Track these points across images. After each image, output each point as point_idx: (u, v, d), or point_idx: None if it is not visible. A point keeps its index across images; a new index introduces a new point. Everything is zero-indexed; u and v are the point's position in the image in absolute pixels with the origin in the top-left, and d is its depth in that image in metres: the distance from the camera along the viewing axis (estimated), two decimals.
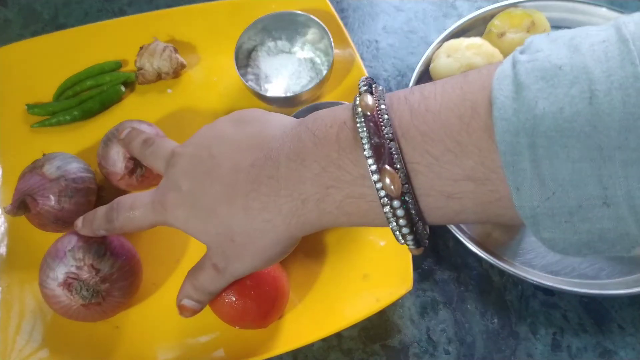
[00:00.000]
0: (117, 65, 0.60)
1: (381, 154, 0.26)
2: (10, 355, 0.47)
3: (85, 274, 0.43)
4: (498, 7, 0.62)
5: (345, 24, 0.64)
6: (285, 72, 0.57)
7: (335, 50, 0.57)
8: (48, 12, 0.68)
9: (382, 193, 0.26)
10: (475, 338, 0.50)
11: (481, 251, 0.51)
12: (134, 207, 0.37)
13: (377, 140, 0.26)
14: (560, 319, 0.51)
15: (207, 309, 0.45)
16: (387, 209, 0.27)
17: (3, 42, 0.65)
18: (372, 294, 0.48)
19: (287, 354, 0.49)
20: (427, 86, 0.28)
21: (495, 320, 0.51)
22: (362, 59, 0.62)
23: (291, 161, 0.30)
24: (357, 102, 0.28)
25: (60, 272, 0.43)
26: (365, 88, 0.29)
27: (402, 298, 0.50)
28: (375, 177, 0.26)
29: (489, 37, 0.59)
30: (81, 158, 0.52)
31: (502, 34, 0.59)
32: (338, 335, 0.50)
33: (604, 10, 0.63)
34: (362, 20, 0.68)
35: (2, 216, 0.53)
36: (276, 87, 0.57)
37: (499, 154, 0.23)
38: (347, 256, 0.51)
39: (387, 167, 0.25)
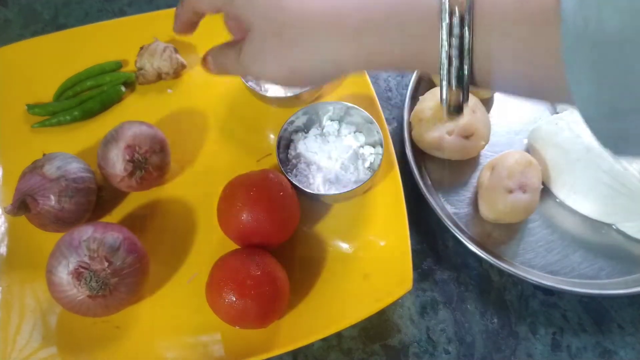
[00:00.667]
0: (118, 66, 0.61)
1: None
2: (11, 355, 0.47)
3: (97, 265, 0.43)
4: None
5: None
6: None
7: None
8: (48, 12, 0.68)
9: (446, 14, 0.27)
10: (475, 338, 0.50)
11: (481, 251, 0.51)
12: (226, 55, 0.38)
13: None
14: (560, 318, 0.51)
15: (209, 309, 0.45)
16: (444, 31, 0.27)
17: (3, 42, 0.65)
18: (372, 293, 0.48)
19: (287, 353, 0.49)
20: None
21: (495, 320, 0.51)
22: None
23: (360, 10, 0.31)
24: None
25: (72, 261, 0.43)
26: None
27: (402, 298, 0.50)
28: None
29: None
30: (81, 158, 0.52)
31: None
32: (338, 335, 0.50)
33: None
34: None
35: (3, 216, 0.53)
36: (276, 87, 0.57)
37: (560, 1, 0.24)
38: (347, 256, 0.51)
39: None
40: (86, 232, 0.44)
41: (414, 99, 0.58)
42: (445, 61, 0.28)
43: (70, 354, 0.47)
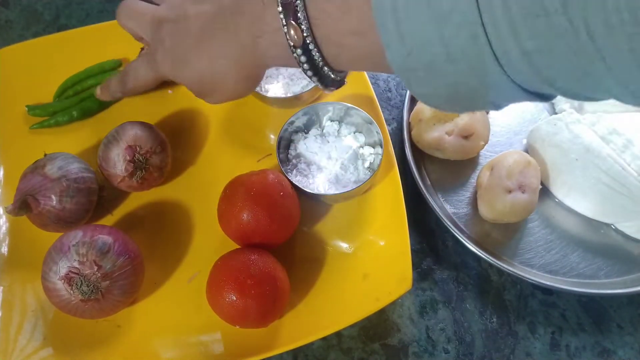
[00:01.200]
0: (117, 64, 0.61)
1: (289, 9, 0.32)
2: (12, 354, 0.47)
3: (87, 270, 0.43)
4: None
5: None
6: (285, 72, 0.57)
7: None
8: (49, 13, 0.69)
9: (290, 43, 0.33)
10: (474, 337, 0.50)
11: (480, 251, 0.51)
12: (137, 67, 0.46)
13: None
14: (559, 318, 0.51)
15: (209, 309, 0.45)
16: (295, 55, 0.33)
17: (5, 42, 0.65)
18: (372, 293, 0.48)
19: (288, 353, 0.49)
20: None
21: (494, 320, 0.51)
22: None
23: (235, 14, 0.36)
24: None
25: (62, 266, 0.43)
26: None
27: (401, 297, 0.50)
28: (284, 29, 0.32)
29: None
30: (82, 158, 0.52)
31: None
32: (338, 335, 0.50)
33: None
34: None
35: (4, 216, 0.54)
36: (276, 88, 0.57)
37: (372, 13, 0.27)
38: (347, 256, 0.51)
39: (292, 21, 0.32)
40: (75, 236, 0.44)
41: (414, 100, 0.59)
42: (308, 72, 0.34)
43: (71, 353, 0.47)
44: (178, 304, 0.50)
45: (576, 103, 0.57)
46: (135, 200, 0.54)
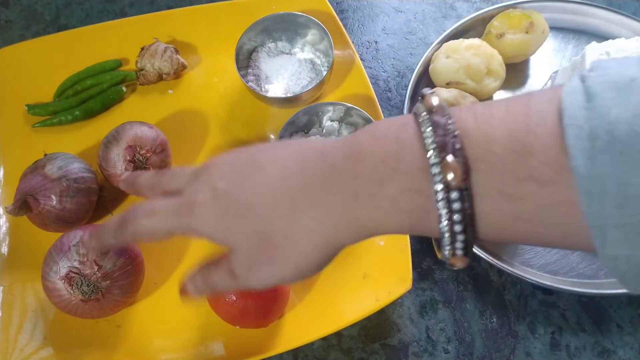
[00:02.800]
0: (117, 64, 0.61)
1: (444, 146, 0.25)
2: (12, 354, 0.47)
3: (87, 270, 0.43)
4: (497, 8, 0.62)
5: (345, 25, 0.64)
6: (285, 73, 0.58)
7: (335, 51, 0.57)
8: (49, 13, 0.69)
9: (440, 186, 0.25)
10: (474, 337, 0.50)
11: (480, 251, 0.51)
12: (153, 212, 0.33)
13: (441, 133, 0.25)
14: (559, 318, 0.51)
15: (209, 309, 0.45)
16: (442, 203, 0.25)
17: (5, 42, 0.65)
18: (372, 293, 0.48)
19: (288, 352, 0.49)
20: (487, 102, 0.28)
21: (494, 320, 0.51)
22: (362, 59, 0.62)
23: (346, 158, 0.28)
24: (422, 102, 0.27)
25: (63, 266, 0.43)
26: (429, 92, 0.28)
27: (401, 297, 0.50)
28: (435, 169, 0.25)
29: (488, 38, 0.60)
30: (82, 158, 0.52)
31: (501, 35, 0.59)
32: (338, 334, 0.50)
33: (602, 12, 0.63)
34: (362, 22, 0.68)
35: (4, 216, 0.54)
36: (276, 88, 0.57)
37: (569, 158, 0.22)
38: (347, 256, 0.51)
39: (450, 157, 0.25)
40: (75, 236, 0.44)
41: (414, 100, 0.59)
42: (446, 234, 0.26)
43: (71, 353, 0.47)
44: (178, 304, 0.49)
45: None
46: (136, 201, 0.54)
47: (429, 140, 0.25)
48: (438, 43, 0.61)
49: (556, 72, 0.63)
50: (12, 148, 0.57)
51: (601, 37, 0.63)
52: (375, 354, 0.50)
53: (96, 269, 0.43)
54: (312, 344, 0.50)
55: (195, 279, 0.35)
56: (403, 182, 0.27)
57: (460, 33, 0.62)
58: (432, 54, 0.60)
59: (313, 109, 0.54)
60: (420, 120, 0.27)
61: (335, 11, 0.61)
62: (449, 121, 0.26)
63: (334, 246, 0.30)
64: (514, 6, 0.62)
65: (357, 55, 0.59)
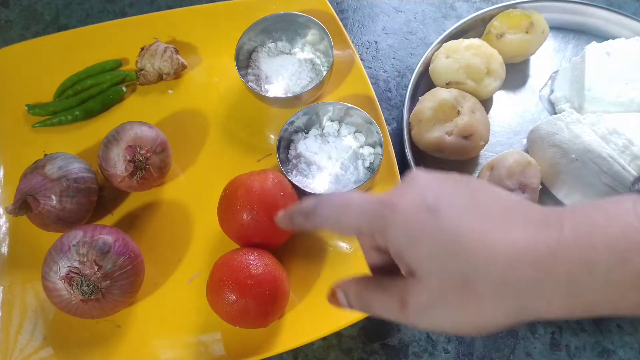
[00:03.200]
0: (117, 64, 0.61)
1: None
2: (12, 354, 0.47)
3: (87, 270, 0.43)
4: (497, 8, 0.62)
5: (345, 25, 0.64)
6: (285, 73, 0.58)
7: (335, 51, 0.57)
8: (49, 13, 0.69)
9: None
10: (475, 337, 0.50)
11: None
12: (348, 206, 0.29)
13: None
14: None
15: (209, 309, 0.45)
16: None
17: (5, 42, 0.65)
18: None
19: (288, 352, 0.49)
20: None
21: None
22: (362, 59, 0.62)
23: (576, 227, 0.26)
24: None
25: (63, 266, 0.43)
26: None
27: None
28: None
29: (488, 38, 0.60)
30: (82, 158, 0.52)
31: (501, 35, 0.59)
32: (338, 334, 0.50)
33: (602, 12, 0.63)
34: (362, 22, 0.68)
35: (4, 216, 0.54)
36: (276, 88, 0.57)
37: None
38: (347, 256, 0.51)
39: None
40: (75, 236, 0.44)
41: (414, 100, 0.59)
42: None
43: (71, 353, 0.48)
44: (178, 304, 0.50)
45: (576, 103, 0.57)
46: (136, 200, 0.54)
47: None
48: (438, 43, 0.61)
49: (556, 72, 0.63)
50: (12, 148, 0.57)
51: (601, 37, 0.64)
52: (375, 354, 0.50)
53: (96, 269, 0.43)
54: (312, 343, 0.50)
55: (349, 292, 0.32)
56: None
57: (460, 33, 0.62)
58: (432, 54, 0.60)
59: (313, 109, 0.54)
60: None
61: (335, 11, 0.61)
62: None
63: (532, 316, 0.27)
64: (514, 6, 0.62)
65: (357, 55, 0.59)
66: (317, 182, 0.52)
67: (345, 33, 0.60)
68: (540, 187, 0.53)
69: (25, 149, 0.56)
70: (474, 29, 0.63)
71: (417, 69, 0.59)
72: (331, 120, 0.55)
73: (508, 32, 0.59)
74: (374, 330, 0.51)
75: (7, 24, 0.68)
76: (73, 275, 0.43)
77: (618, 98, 0.54)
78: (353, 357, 0.50)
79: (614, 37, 0.59)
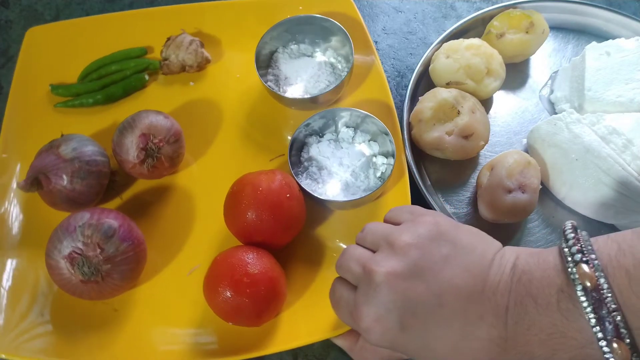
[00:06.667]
0: (142, 52, 0.61)
1: (606, 325, 0.27)
2: (15, 329, 0.48)
3: (90, 252, 0.43)
4: (497, 8, 0.62)
5: None
6: (304, 75, 0.57)
7: (357, 56, 0.56)
8: (49, 13, 0.69)
9: (610, 357, 0.27)
10: None
11: None
12: (349, 259, 0.38)
13: (602, 313, 0.28)
14: None
15: (205, 303, 0.45)
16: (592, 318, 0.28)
17: (4, 42, 0.66)
18: None
19: (287, 352, 0.49)
20: (634, 240, 0.29)
21: None
22: None
23: (517, 325, 0.31)
24: (574, 271, 0.29)
25: (66, 246, 0.44)
26: (573, 245, 0.30)
27: None
28: (603, 343, 0.27)
29: (488, 38, 0.60)
30: (99, 142, 0.53)
31: (501, 35, 0.59)
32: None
33: (602, 12, 0.63)
34: None
35: (20, 193, 0.54)
36: (295, 90, 0.57)
37: None
38: None
39: (615, 340, 0.27)
40: (82, 218, 0.45)
41: (414, 99, 0.59)
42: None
43: (69, 332, 0.48)
44: (176, 295, 0.50)
45: (576, 103, 0.57)
46: (146, 188, 0.55)
47: (593, 321, 0.28)
48: (438, 43, 0.61)
49: (556, 72, 0.63)
50: (34, 125, 0.58)
51: (601, 37, 0.64)
52: None
53: (98, 252, 0.44)
54: (312, 343, 0.50)
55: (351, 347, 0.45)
56: (572, 352, 0.29)
57: (460, 33, 0.62)
58: (432, 54, 0.60)
59: (330, 113, 0.53)
60: (578, 294, 0.29)
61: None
62: (604, 293, 0.28)
63: None
64: (514, 6, 0.62)
65: (380, 62, 0.59)
66: (327, 188, 0.51)
67: (370, 39, 0.60)
68: (540, 187, 0.53)
69: (45, 127, 0.57)
70: (474, 29, 0.63)
71: (417, 69, 0.59)
72: (347, 127, 0.55)
73: (508, 32, 0.59)
74: None
75: (7, 24, 0.68)
76: (75, 255, 0.43)
77: (618, 98, 0.54)
78: None
79: (614, 37, 0.59)
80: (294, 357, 0.49)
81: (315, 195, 0.50)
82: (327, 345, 0.50)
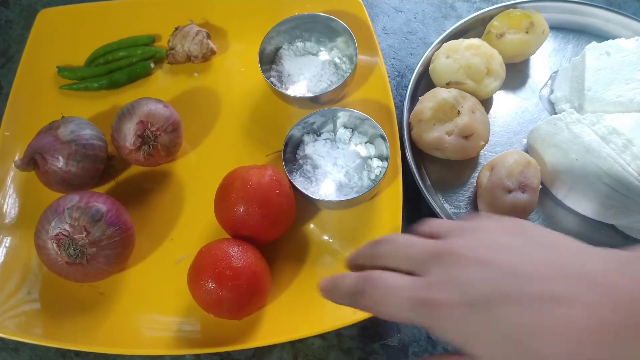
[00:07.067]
0: (150, 40, 0.62)
1: None
2: (5, 303, 0.49)
3: (76, 234, 0.44)
4: (497, 8, 0.62)
5: None
6: (307, 73, 0.57)
7: (362, 57, 0.56)
8: None
9: None
10: None
11: None
12: (388, 294, 0.30)
13: None
14: None
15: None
16: None
17: (4, 42, 0.66)
18: None
19: (288, 352, 0.49)
20: None
21: None
22: None
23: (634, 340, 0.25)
24: None
25: (54, 227, 0.44)
26: None
27: None
28: None
29: (488, 38, 0.60)
30: (99, 126, 0.53)
31: (501, 35, 0.59)
32: (338, 335, 0.50)
33: (602, 12, 0.63)
34: None
35: (18, 172, 0.55)
36: (297, 87, 0.57)
37: None
38: (335, 254, 0.51)
39: None
40: (71, 200, 0.45)
41: (414, 99, 0.59)
42: None
43: (52, 312, 0.49)
44: (163, 283, 0.50)
45: (576, 103, 0.57)
46: (142, 174, 0.55)
47: None
48: (438, 43, 0.61)
49: (556, 72, 0.63)
50: (38, 105, 0.59)
51: (601, 37, 0.63)
52: (376, 354, 0.50)
53: (84, 235, 0.44)
54: (312, 344, 0.50)
55: None
56: None
57: (460, 33, 0.62)
58: (432, 54, 0.60)
59: (330, 112, 0.53)
60: None
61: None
62: None
63: None
64: (514, 6, 0.62)
65: (384, 65, 0.59)
66: (320, 187, 0.51)
67: (376, 40, 0.60)
68: (540, 187, 0.53)
69: (49, 108, 0.58)
70: (474, 29, 0.63)
71: (417, 69, 0.59)
72: (345, 127, 0.55)
73: (508, 32, 0.59)
74: (374, 331, 0.51)
75: (7, 24, 0.68)
76: (62, 237, 0.44)
77: (618, 98, 0.54)
78: (353, 357, 0.50)
79: (614, 37, 0.59)
80: (294, 357, 0.50)
81: (307, 193, 0.50)
82: (327, 345, 0.50)
